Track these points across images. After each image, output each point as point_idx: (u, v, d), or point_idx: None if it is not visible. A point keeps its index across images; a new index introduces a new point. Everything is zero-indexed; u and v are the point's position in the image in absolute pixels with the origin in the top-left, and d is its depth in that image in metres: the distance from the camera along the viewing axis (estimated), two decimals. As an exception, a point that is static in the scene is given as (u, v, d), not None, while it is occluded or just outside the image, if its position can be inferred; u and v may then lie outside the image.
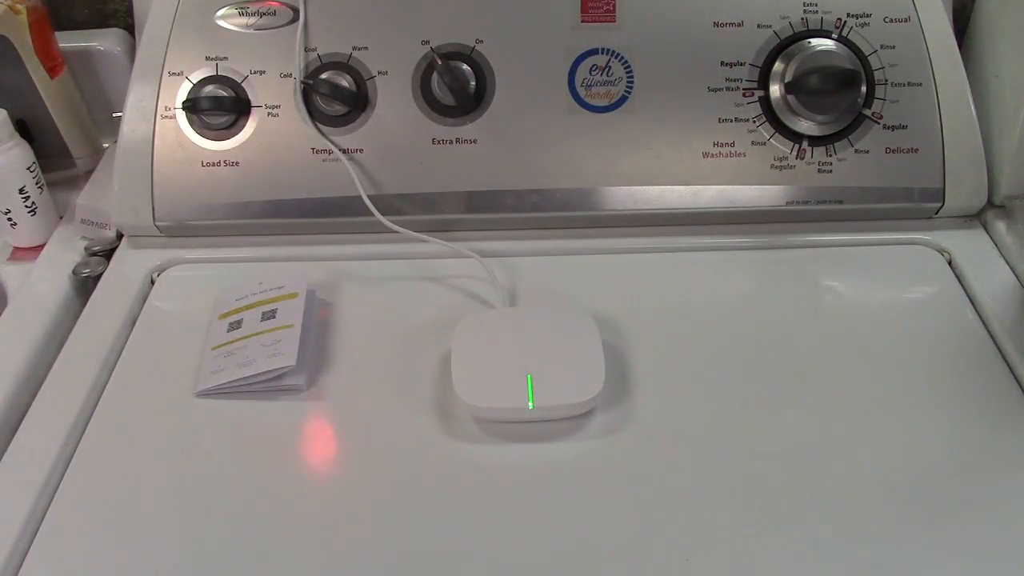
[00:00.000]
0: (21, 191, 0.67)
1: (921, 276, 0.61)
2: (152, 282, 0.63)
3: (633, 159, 0.64)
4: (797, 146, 0.64)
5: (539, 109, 0.64)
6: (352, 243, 0.65)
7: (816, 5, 0.64)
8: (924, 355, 0.55)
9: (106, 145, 0.80)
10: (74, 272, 0.65)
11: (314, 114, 0.64)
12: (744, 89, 0.64)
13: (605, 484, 0.48)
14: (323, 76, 0.64)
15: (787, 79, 0.63)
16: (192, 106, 0.64)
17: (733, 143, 0.64)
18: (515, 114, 0.64)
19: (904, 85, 0.64)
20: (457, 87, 0.63)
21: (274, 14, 0.65)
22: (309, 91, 0.64)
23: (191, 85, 0.65)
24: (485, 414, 0.51)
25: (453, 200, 0.64)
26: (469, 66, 0.64)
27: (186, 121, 0.64)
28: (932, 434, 0.50)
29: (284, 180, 0.64)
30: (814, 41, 0.63)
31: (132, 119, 0.65)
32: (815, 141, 0.64)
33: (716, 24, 0.64)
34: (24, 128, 0.74)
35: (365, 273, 0.63)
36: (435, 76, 0.64)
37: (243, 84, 0.64)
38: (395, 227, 0.61)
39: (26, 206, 0.68)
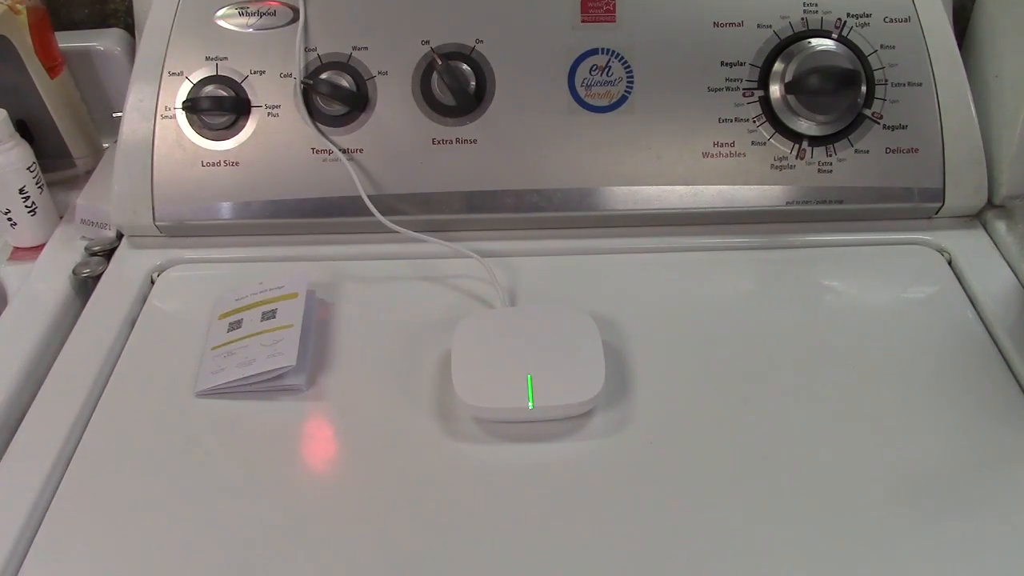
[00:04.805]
0: (21, 191, 0.67)
1: (921, 276, 0.61)
2: (152, 282, 0.63)
3: (633, 159, 0.64)
4: (797, 146, 0.64)
5: (539, 109, 0.64)
6: (352, 243, 0.65)
7: (816, 5, 0.64)
8: (924, 355, 0.55)
9: (106, 145, 0.80)
10: (74, 272, 0.65)
11: (314, 114, 0.64)
12: (744, 89, 0.64)
13: (605, 484, 0.48)
14: (323, 76, 0.64)
15: (787, 79, 0.63)
16: (192, 106, 0.64)
17: (733, 143, 0.64)
18: (515, 114, 0.64)
19: (904, 85, 0.64)
20: (457, 87, 0.63)
21: (274, 14, 0.65)
22: (309, 91, 0.64)
23: (191, 85, 0.65)
24: (485, 414, 0.51)
25: (453, 200, 0.64)
26: (469, 66, 0.64)
27: (186, 121, 0.65)
28: (932, 434, 0.50)
29: (284, 180, 0.64)
30: (814, 41, 0.63)
31: (132, 119, 0.65)
32: (815, 141, 0.64)
33: (716, 24, 0.64)
34: (24, 128, 0.74)
35: (365, 273, 0.63)
36: (435, 76, 0.64)
37: (243, 84, 0.64)
38: (395, 227, 0.61)
39: (26, 206, 0.68)
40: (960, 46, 0.66)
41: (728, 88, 0.64)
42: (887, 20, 0.64)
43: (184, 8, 0.66)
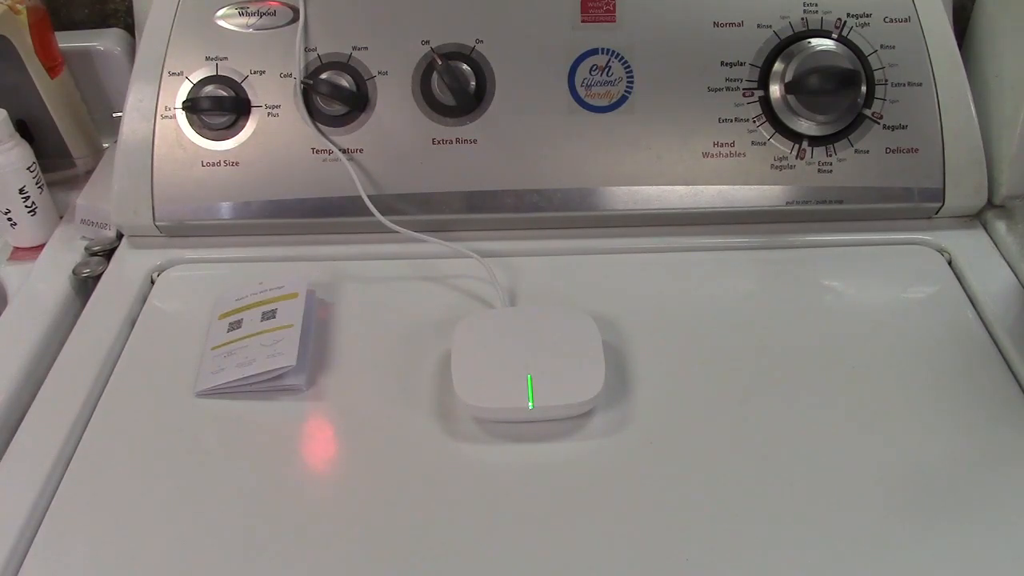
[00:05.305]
0: (21, 191, 0.67)
1: (921, 276, 0.61)
2: (152, 282, 0.63)
3: (633, 159, 0.64)
4: (797, 146, 0.64)
5: (539, 109, 0.64)
6: (352, 243, 0.65)
7: (816, 5, 0.64)
8: (924, 355, 0.55)
9: (106, 145, 0.80)
10: (74, 272, 0.65)
11: (314, 114, 0.64)
12: (744, 89, 0.64)
13: (605, 484, 0.48)
14: (323, 76, 0.64)
15: (787, 79, 0.63)
16: (192, 106, 0.64)
17: (733, 143, 0.64)
18: (515, 114, 0.64)
19: (904, 85, 0.64)
20: (457, 87, 0.63)
21: (274, 14, 0.65)
22: (309, 91, 0.64)
23: (191, 85, 0.65)
24: (485, 414, 0.51)
25: (453, 200, 0.64)
26: (469, 66, 0.64)
27: (186, 121, 0.65)
28: (932, 434, 0.50)
29: (284, 180, 0.64)
30: (814, 41, 0.63)
31: (132, 119, 0.65)
32: (815, 141, 0.64)
33: (716, 24, 0.64)
34: (24, 128, 0.74)
35: (365, 273, 0.63)
36: (435, 76, 0.64)
37: (243, 84, 0.64)
38: (395, 227, 0.61)
39: (26, 206, 0.68)
40: (960, 46, 0.66)
41: (728, 88, 0.64)
42: (887, 20, 0.64)
43: (184, 8, 0.66)
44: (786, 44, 0.64)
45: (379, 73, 0.65)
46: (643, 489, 0.48)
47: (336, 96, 0.63)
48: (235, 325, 0.57)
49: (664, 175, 0.64)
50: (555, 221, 0.65)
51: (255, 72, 0.65)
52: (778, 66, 0.63)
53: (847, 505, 0.47)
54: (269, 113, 0.64)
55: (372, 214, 0.62)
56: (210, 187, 0.64)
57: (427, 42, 0.64)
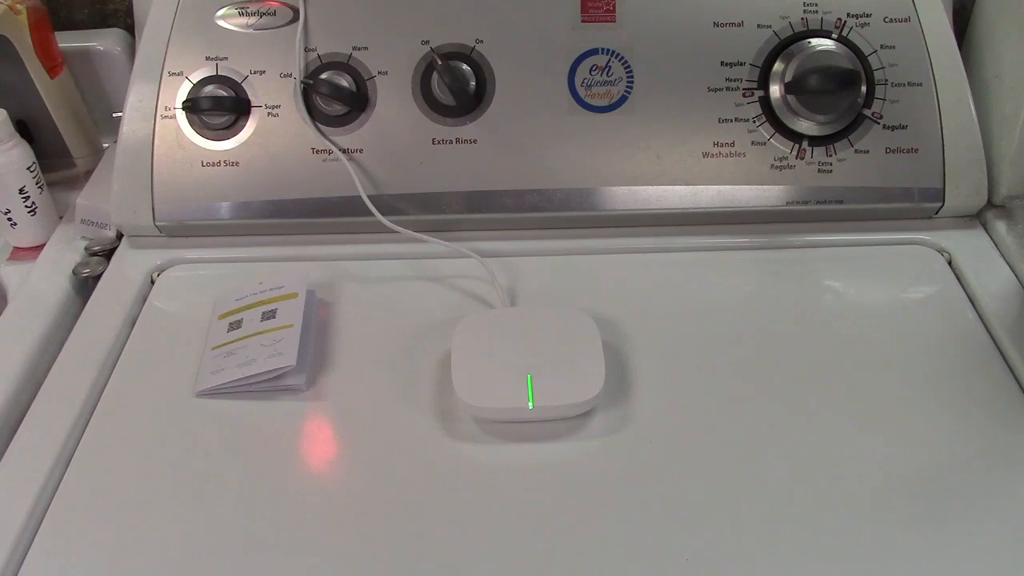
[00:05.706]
0: (21, 191, 0.67)
1: (921, 276, 0.61)
2: (152, 282, 0.63)
3: (633, 159, 0.64)
4: (797, 146, 0.64)
5: (539, 109, 0.64)
6: (352, 243, 0.65)
7: (816, 5, 0.64)
8: (924, 355, 0.55)
9: (106, 145, 0.80)
10: (74, 272, 0.65)
11: (314, 114, 0.64)
12: (744, 89, 0.64)
13: (605, 484, 0.48)
14: (323, 76, 0.64)
15: (787, 79, 0.63)
16: (192, 106, 0.64)
17: (733, 143, 0.64)
18: (515, 114, 0.64)
19: (904, 85, 0.64)
20: (457, 87, 0.63)
21: (274, 14, 0.65)
22: (309, 91, 0.64)
23: (191, 85, 0.65)
24: (485, 414, 0.51)
25: (453, 200, 0.64)
26: (469, 66, 0.64)
27: (186, 121, 0.65)
28: (932, 434, 0.50)
29: (284, 180, 0.64)
30: (814, 41, 0.63)
31: (132, 119, 0.65)
32: (815, 141, 0.64)
33: (716, 24, 0.64)
34: (24, 128, 0.74)
35: (365, 273, 0.63)
36: (435, 76, 0.64)
37: (243, 84, 0.64)
38: (395, 227, 0.61)
39: (26, 206, 0.68)
40: (960, 46, 0.66)
41: (728, 88, 0.64)
42: (887, 20, 0.64)
43: (184, 8, 0.66)
44: (786, 44, 0.64)
45: (379, 73, 0.65)
46: (643, 489, 0.48)
47: (336, 96, 0.63)
48: (235, 325, 0.57)
49: (664, 175, 0.64)
50: (555, 221, 0.65)
51: (255, 72, 0.65)
52: (778, 66, 0.63)
53: (847, 504, 0.47)
54: (269, 113, 0.64)
55: (372, 214, 0.62)
56: (210, 187, 0.64)
57: (427, 42, 0.64)
